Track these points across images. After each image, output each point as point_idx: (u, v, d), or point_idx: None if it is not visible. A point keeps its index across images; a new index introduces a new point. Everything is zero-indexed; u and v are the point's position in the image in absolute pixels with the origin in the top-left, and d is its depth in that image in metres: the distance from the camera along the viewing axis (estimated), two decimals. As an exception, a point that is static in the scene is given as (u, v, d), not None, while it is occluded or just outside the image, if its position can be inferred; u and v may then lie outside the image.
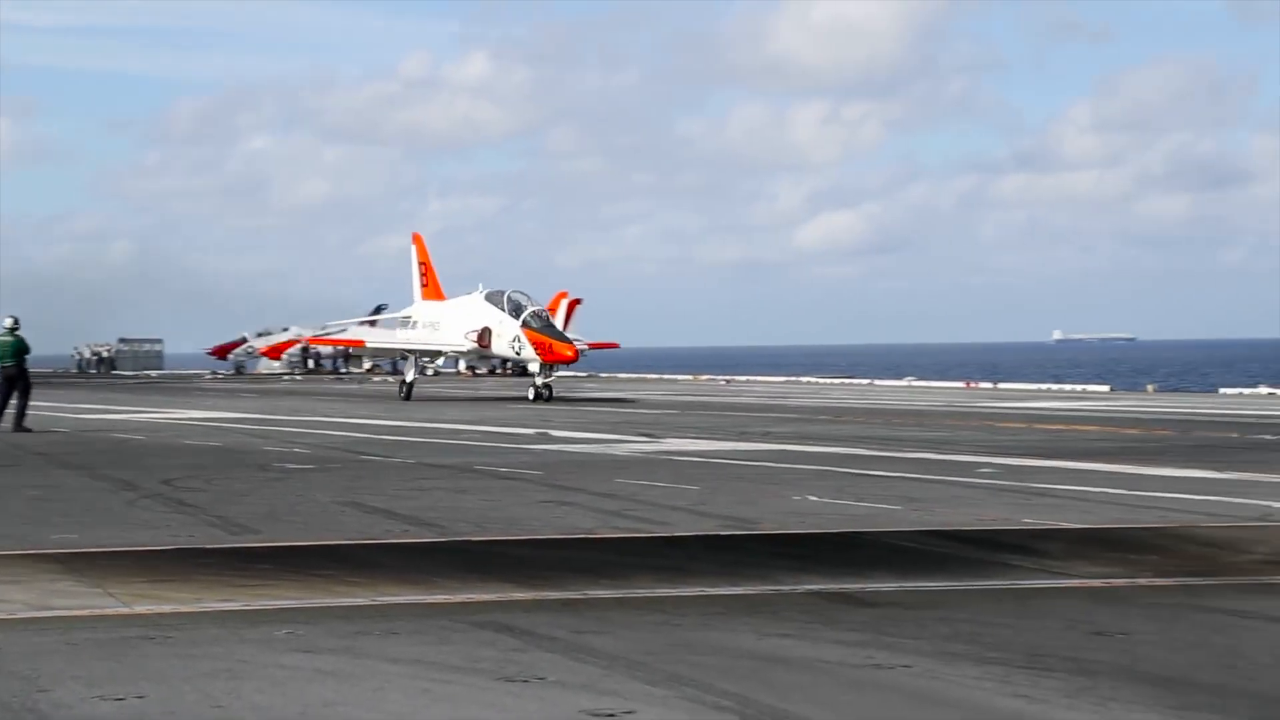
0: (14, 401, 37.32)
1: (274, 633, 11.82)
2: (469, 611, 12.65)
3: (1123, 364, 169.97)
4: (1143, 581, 14.38)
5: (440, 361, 65.90)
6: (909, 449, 31.46)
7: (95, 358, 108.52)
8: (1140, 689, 10.07)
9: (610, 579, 14.27)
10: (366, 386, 77.93)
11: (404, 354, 62.31)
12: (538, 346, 55.67)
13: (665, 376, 73.67)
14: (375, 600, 13.22)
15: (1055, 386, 71.83)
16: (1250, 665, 10.81)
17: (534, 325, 56.03)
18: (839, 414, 46.81)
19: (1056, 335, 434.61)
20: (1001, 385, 73.18)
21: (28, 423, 37.17)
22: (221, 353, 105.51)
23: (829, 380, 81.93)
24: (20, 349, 37.65)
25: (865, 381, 76.02)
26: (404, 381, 59.82)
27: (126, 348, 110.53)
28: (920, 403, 54.68)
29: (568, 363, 57.48)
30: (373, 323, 72.14)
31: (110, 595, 13.43)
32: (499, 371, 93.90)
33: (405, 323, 63.63)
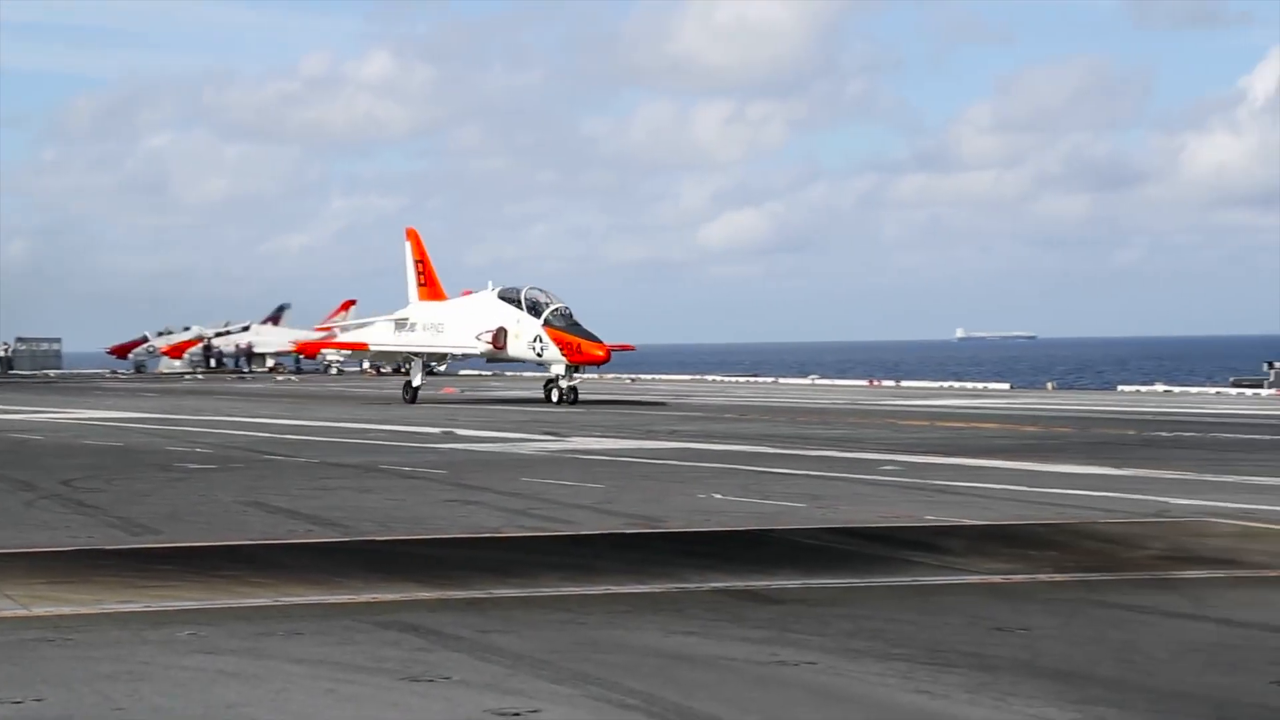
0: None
1: (176, 634, 11.71)
2: (373, 611, 12.60)
3: (1023, 362, 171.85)
4: (1042, 577, 14.56)
5: (442, 366, 61.55)
6: (814, 447, 31.65)
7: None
8: (1040, 683, 10.19)
9: (516, 578, 14.25)
10: (270, 385, 77.32)
11: (409, 357, 58.56)
12: (564, 347, 52.17)
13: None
14: (279, 601, 13.13)
15: (957, 384, 72.53)
16: (1147, 659, 10.98)
17: (558, 324, 52.47)
18: (744, 412, 47.00)
19: (959, 334, 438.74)
20: (904, 383, 73.80)
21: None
22: (122, 352, 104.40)
23: (734, 379, 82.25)
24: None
25: (770, 380, 76.39)
26: (410, 385, 56.07)
27: (24, 347, 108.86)
28: (824, 401, 55.02)
29: (599, 364, 53.82)
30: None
31: (7, 597, 13.25)
32: (400, 370, 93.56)
33: (401, 325, 59.03)
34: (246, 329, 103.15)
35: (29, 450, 31.46)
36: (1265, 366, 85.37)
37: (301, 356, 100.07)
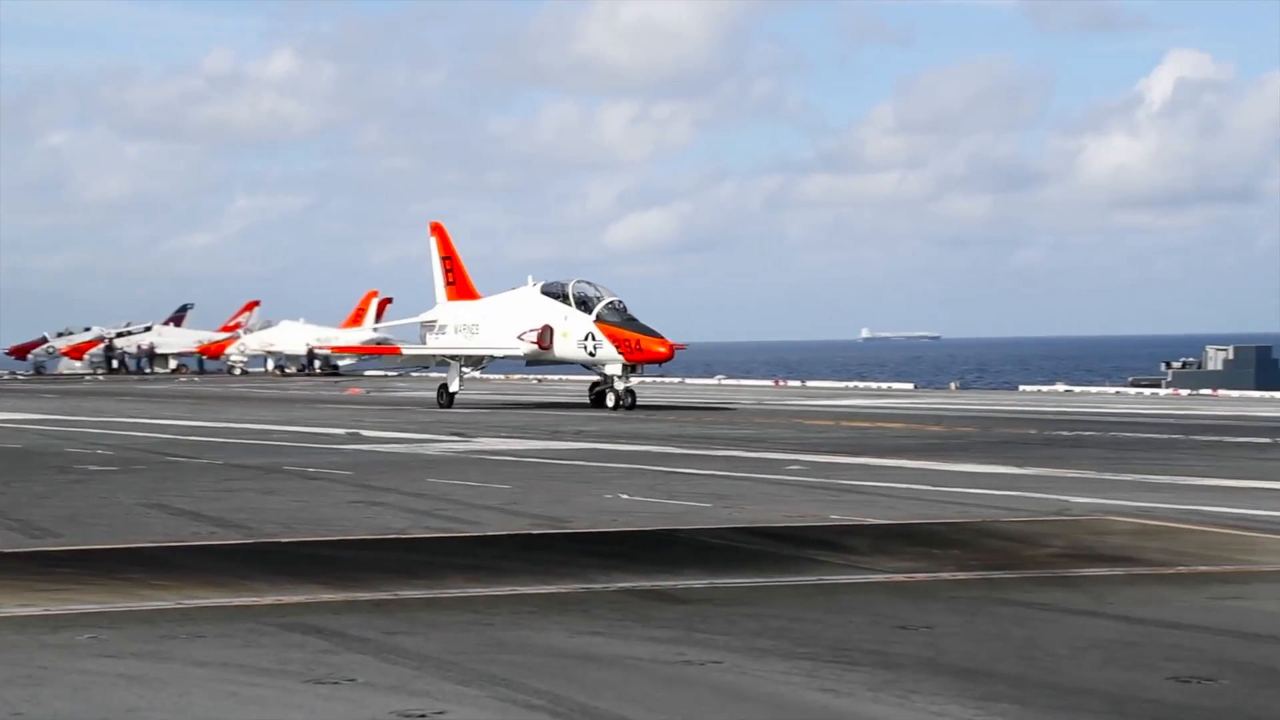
0: None
1: (76, 638, 11.57)
2: (277, 613, 12.51)
3: (926, 362, 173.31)
4: (945, 576, 14.69)
5: (476, 370, 54.60)
6: (719, 446, 31.75)
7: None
8: (943, 681, 10.29)
9: (422, 579, 14.20)
10: (173, 386, 76.55)
11: (444, 360, 52.80)
12: (621, 345, 47.32)
13: (477, 376, 73.32)
14: (181, 603, 13.00)
15: (862, 384, 73.04)
16: (1048, 656, 11.11)
17: (612, 320, 47.72)
18: (650, 412, 47.06)
19: (864, 334, 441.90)
20: (810, 383, 74.17)
21: None
22: (20, 353, 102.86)
23: (639, 379, 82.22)
24: None
25: (676, 380, 76.53)
26: (445, 389, 51.03)
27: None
28: (730, 400, 55.20)
29: (661, 362, 49.14)
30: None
31: (-97, 602, 13.03)
32: (307, 371, 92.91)
33: (430, 328, 54.16)
34: (149, 329, 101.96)
35: (-75, 452, 30.96)
36: (1163, 366, 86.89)
37: (204, 357, 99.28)
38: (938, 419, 42.65)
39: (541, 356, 49.76)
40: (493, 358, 52.77)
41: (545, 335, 48.81)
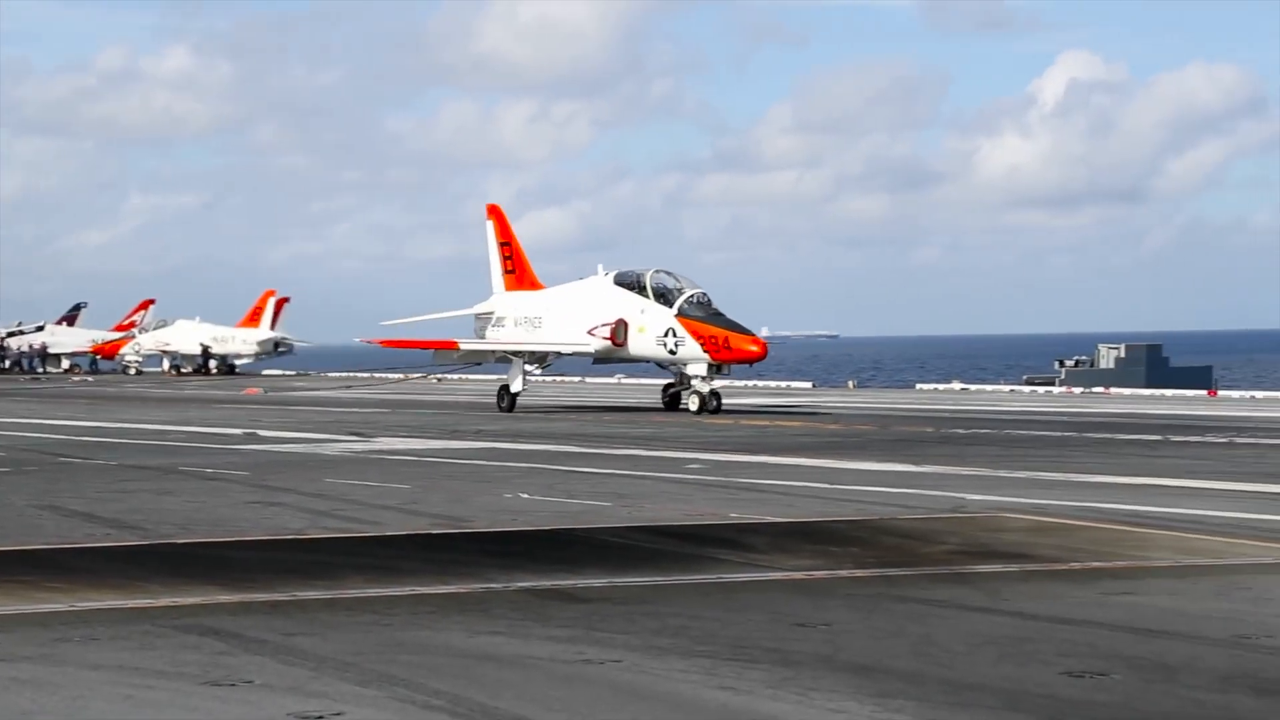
0: None
1: (-33, 642, 11.40)
2: (173, 615, 12.39)
3: (823, 360, 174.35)
4: (843, 573, 14.81)
5: (539, 369, 49.19)
6: (619, 445, 31.80)
7: None
8: (841, 677, 10.38)
9: (320, 580, 14.12)
10: (66, 386, 75.51)
11: (505, 357, 48.03)
12: (706, 342, 43.22)
13: (376, 375, 72.89)
14: (75, 606, 12.84)
15: (760, 383, 73.31)
16: (944, 652, 11.23)
17: (696, 315, 43.62)
18: (549, 411, 47.02)
19: (764, 332, 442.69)
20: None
21: None
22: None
23: (541, 378, 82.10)
24: None
25: (577, 379, 76.49)
26: (506, 390, 46.32)
27: None
28: (630, 399, 55.28)
29: (754, 362, 44.81)
30: (71, 320, 65.41)
31: None
32: (211, 371, 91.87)
33: (486, 320, 49.79)
34: (41, 329, 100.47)
35: None
36: (1056, 365, 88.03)
37: (99, 357, 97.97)
38: (836, 417, 42.94)
39: (614, 354, 45.70)
40: (559, 354, 47.96)
41: (619, 330, 44.73)
